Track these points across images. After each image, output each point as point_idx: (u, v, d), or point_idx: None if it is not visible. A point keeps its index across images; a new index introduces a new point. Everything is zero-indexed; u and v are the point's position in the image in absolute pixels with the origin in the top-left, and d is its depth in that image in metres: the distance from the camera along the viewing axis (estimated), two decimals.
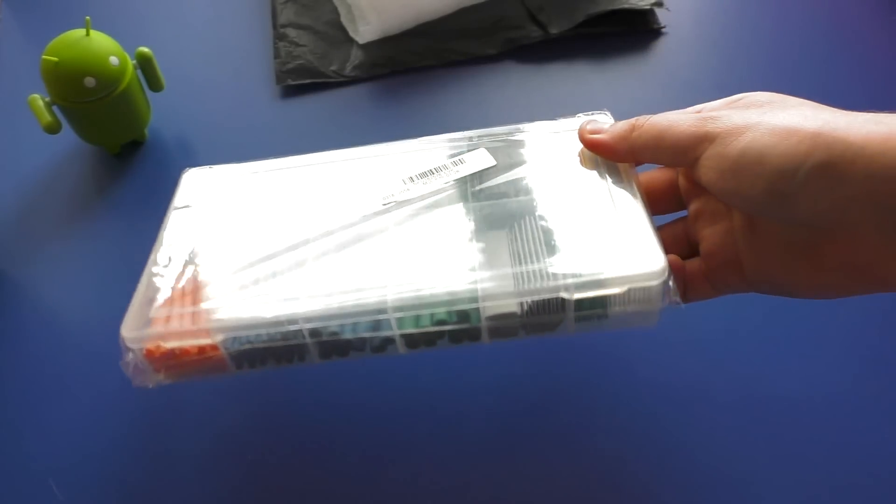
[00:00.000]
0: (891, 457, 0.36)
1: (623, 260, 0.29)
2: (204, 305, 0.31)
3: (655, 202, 0.35)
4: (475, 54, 0.55)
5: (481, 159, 0.36)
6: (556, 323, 0.30)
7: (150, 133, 0.51)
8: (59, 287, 0.45)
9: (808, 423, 0.37)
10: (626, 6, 0.55)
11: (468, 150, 0.37)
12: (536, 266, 0.29)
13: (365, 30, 0.54)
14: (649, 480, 0.35)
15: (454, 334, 0.30)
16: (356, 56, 0.55)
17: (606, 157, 0.34)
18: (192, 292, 0.32)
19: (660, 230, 0.33)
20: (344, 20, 0.57)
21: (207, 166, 0.40)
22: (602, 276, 0.29)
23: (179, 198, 0.39)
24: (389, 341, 0.31)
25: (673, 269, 0.30)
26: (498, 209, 0.33)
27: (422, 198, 0.35)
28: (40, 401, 0.40)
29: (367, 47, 0.55)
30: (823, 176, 0.26)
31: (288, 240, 0.34)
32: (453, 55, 0.55)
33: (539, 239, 0.31)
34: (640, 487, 0.35)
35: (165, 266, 0.34)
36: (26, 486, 0.37)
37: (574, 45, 0.55)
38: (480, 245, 0.31)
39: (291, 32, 0.57)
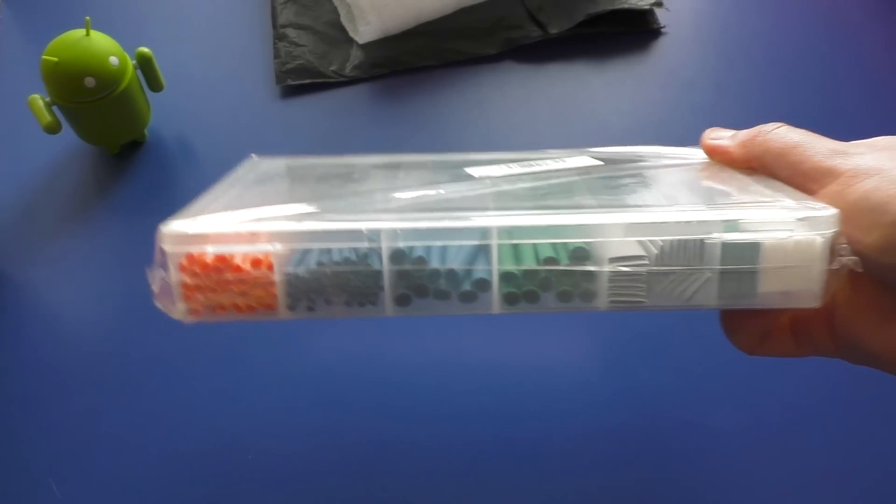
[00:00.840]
0: (891, 457, 0.36)
1: (780, 209, 0.25)
2: (264, 213, 0.25)
3: None
4: (475, 54, 0.55)
5: (586, 161, 0.32)
6: (694, 278, 0.24)
7: (150, 133, 0.51)
8: (59, 287, 0.45)
9: (807, 422, 0.37)
10: (625, 6, 0.55)
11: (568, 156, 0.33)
12: (680, 209, 0.25)
13: (365, 30, 0.54)
14: (652, 482, 0.35)
15: (565, 284, 0.24)
16: (356, 56, 0.55)
17: (724, 161, 0.31)
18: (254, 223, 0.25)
19: None
20: (344, 20, 0.57)
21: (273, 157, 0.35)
22: (757, 220, 0.24)
23: (241, 170, 0.32)
24: (484, 286, 0.24)
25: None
26: (631, 175, 0.30)
27: (531, 175, 0.30)
28: (40, 401, 0.40)
29: (367, 47, 0.55)
30: None
31: (371, 198, 0.28)
32: (453, 55, 0.55)
33: (684, 193, 0.28)
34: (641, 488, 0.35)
35: (229, 188, 0.29)
36: (26, 486, 0.37)
37: (574, 45, 0.55)
38: (610, 197, 0.27)
39: (291, 32, 0.57)
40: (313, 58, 0.55)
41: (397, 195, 0.27)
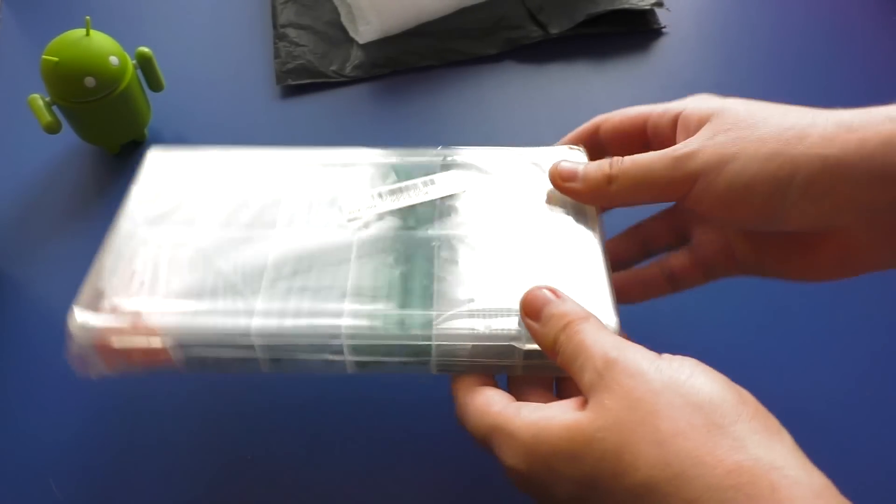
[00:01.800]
0: (891, 457, 0.36)
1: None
2: (157, 304, 0.31)
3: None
4: (475, 54, 0.55)
5: (453, 183, 0.35)
6: (505, 366, 0.30)
7: (150, 133, 0.51)
8: (59, 287, 0.45)
9: (807, 423, 0.37)
10: (626, 6, 0.55)
11: (441, 170, 0.36)
12: (492, 310, 0.30)
13: (365, 30, 0.54)
14: None
15: (405, 364, 0.31)
16: (356, 56, 0.55)
17: (582, 202, 0.34)
18: (149, 284, 0.32)
19: (650, 220, 0.37)
20: (344, 20, 0.57)
21: (174, 148, 0.39)
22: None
23: (144, 177, 0.38)
24: (340, 365, 0.31)
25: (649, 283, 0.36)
26: (458, 243, 0.33)
27: (389, 214, 0.34)
28: (40, 401, 0.40)
29: (367, 47, 0.55)
30: (808, 194, 0.27)
31: (250, 237, 0.33)
32: (453, 55, 0.55)
33: (496, 280, 0.31)
34: None
35: (125, 244, 0.34)
36: (26, 486, 0.37)
37: (574, 44, 0.55)
38: (439, 276, 0.31)
39: (291, 32, 0.57)
40: (313, 58, 0.55)
41: (270, 263, 0.32)
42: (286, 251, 0.33)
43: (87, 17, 0.45)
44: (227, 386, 0.40)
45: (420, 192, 0.35)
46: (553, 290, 0.29)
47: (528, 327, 0.29)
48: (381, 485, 0.37)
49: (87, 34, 0.45)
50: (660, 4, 0.56)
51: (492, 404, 0.28)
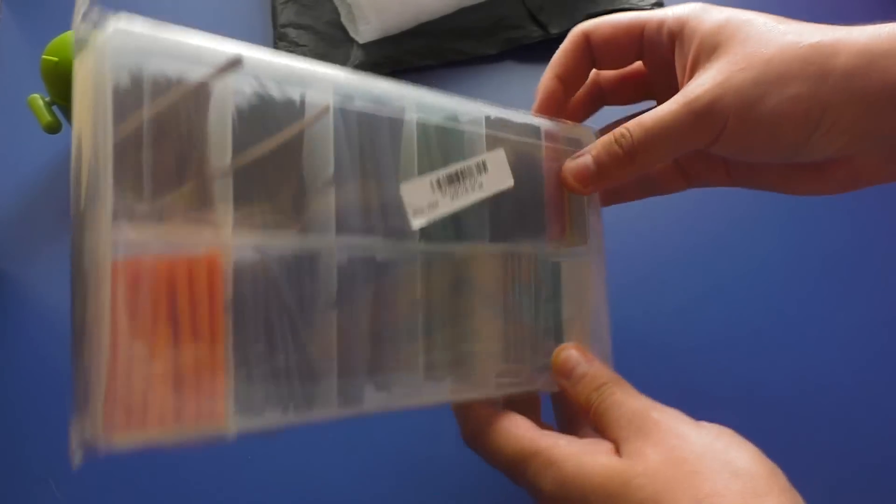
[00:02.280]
0: (890, 457, 0.36)
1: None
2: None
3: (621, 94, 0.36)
4: (475, 54, 0.55)
5: (501, 176, 0.31)
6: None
7: None
8: (59, 287, 0.45)
9: (807, 423, 0.37)
10: (625, 6, 0.55)
11: (488, 149, 0.31)
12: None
13: (365, 29, 0.54)
14: None
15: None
16: (356, 56, 0.55)
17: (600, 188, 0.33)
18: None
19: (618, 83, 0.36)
20: (344, 20, 0.57)
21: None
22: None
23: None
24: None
25: None
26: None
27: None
28: (40, 401, 0.40)
29: (367, 47, 0.55)
30: (834, 130, 0.27)
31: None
32: (453, 55, 0.55)
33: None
34: None
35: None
36: (26, 486, 0.37)
37: None
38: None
39: (292, 32, 0.56)
40: (313, 57, 0.55)
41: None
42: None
43: None
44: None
45: (475, 181, 0.30)
46: (581, 351, 0.31)
47: (560, 385, 0.31)
48: (382, 484, 0.37)
49: None
50: (660, 4, 0.56)
51: (524, 429, 0.29)
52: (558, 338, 0.33)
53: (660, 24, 0.32)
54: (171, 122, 0.22)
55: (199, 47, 0.22)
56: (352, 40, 0.56)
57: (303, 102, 0.26)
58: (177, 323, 0.22)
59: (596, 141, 0.31)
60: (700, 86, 0.28)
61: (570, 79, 0.35)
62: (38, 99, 0.46)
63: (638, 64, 0.35)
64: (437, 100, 0.30)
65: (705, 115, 0.28)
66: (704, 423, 0.28)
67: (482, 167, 0.31)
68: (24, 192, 0.49)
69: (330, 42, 0.56)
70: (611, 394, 0.29)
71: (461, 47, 0.55)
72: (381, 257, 0.27)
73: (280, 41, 0.56)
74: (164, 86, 0.21)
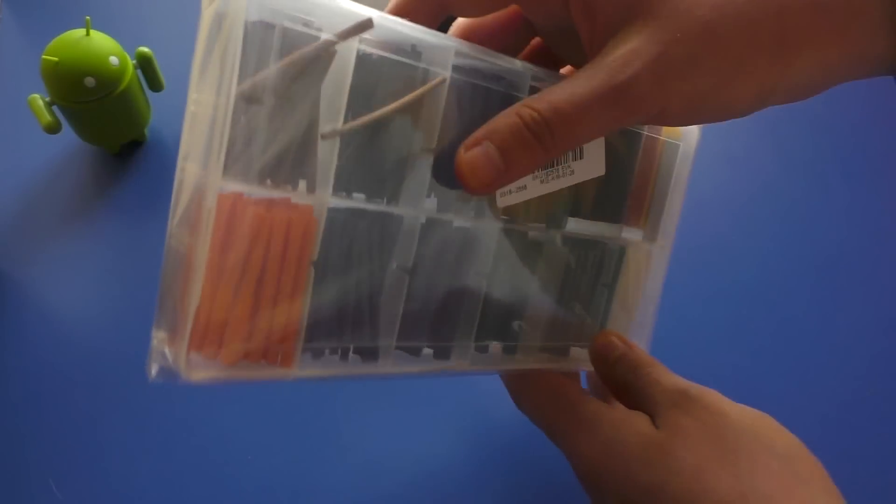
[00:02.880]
0: (890, 458, 0.36)
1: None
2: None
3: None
4: None
5: (594, 163, 0.29)
6: None
7: (150, 133, 0.51)
8: (59, 287, 0.45)
9: (807, 423, 0.37)
10: None
11: None
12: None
13: None
14: None
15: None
16: None
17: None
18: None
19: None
20: None
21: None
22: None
23: None
24: None
25: None
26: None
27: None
28: (40, 401, 0.40)
29: None
30: (774, 97, 0.24)
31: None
32: None
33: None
34: None
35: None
36: (26, 486, 0.37)
37: None
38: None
39: None
40: None
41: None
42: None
43: (88, 17, 0.45)
44: (228, 386, 0.40)
45: (568, 167, 0.29)
46: (621, 339, 0.31)
47: (598, 369, 0.31)
48: (382, 484, 0.37)
49: (87, 34, 0.45)
50: None
51: (569, 389, 0.30)
52: (604, 321, 0.33)
53: None
54: (292, 79, 0.22)
55: (331, 7, 0.22)
56: None
57: (422, 72, 0.25)
58: (265, 269, 0.23)
59: (495, 120, 0.24)
60: (626, 63, 0.22)
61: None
62: (38, 99, 0.46)
63: (511, 9, 0.28)
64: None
65: (637, 101, 0.23)
66: (745, 406, 0.28)
67: (578, 153, 0.29)
68: (24, 192, 0.49)
69: None
70: (648, 374, 0.29)
71: None
72: (458, 225, 0.28)
73: None
74: (291, 45, 0.21)
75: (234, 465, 0.38)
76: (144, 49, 0.48)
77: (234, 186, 0.22)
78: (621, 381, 0.30)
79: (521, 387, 0.31)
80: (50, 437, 0.39)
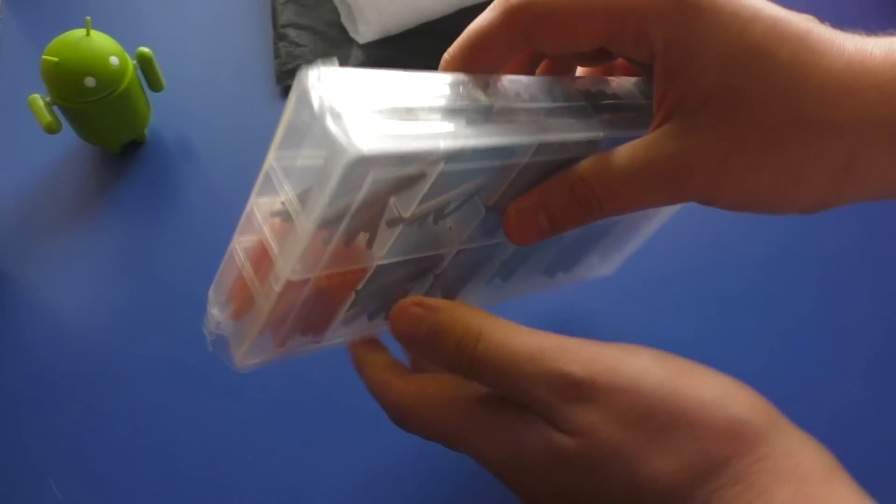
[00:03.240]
0: (890, 457, 0.36)
1: None
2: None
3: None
4: None
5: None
6: None
7: (150, 133, 0.51)
8: (59, 287, 0.45)
9: (806, 423, 0.37)
10: None
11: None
12: None
13: (365, 30, 0.54)
14: None
15: None
16: (356, 56, 0.55)
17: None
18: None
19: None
20: (344, 20, 0.57)
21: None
22: None
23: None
24: None
25: None
26: None
27: None
28: (40, 401, 0.40)
29: (367, 47, 0.55)
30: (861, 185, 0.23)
31: None
32: None
33: None
34: None
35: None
36: (26, 486, 0.37)
37: None
38: None
39: (292, 32, 0.56)
40: (313, 58, 0.55)
41: None
42: None
43: (88, 18, 0.45)
44: (228, 387, 0.40)
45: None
46: (421, 302, 0.26)
47: (412, 359, 0.31)
48: (383, 484, 0.37)
49: (88, 34, 0.45)
50: None
51: (461, 392, 0.27)
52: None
53: (637, 30, 0.24)
54: (374, 197, 0.24)
55: (418, 152, 0.22)
56: (352, 40, 0.56)
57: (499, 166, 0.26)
58: (315, 303, 0.27)
59: (548, 190, 0.26)
60: (690, 156, 0.23)
61: (493, 55, 0.28)
62: (38, 99, 0.46)
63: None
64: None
65: (691, 191, 0.24)
66: (653, 361, 0.24)
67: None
68: (24, 192, 0.49)
69: (330, 42, 0.56)
70: (494, 359, 0.24)
71: None
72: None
73: (280, 41, 0.56)
74: (381, 182, 0.23)
75: (234, 465, 0.38)
76: (144, 49, 0.48)
77: (303, 275, 0.24)
78: (456, 369, 0.25)
79: (403, 399, 0.27)
80: (50, 437, 0.39)
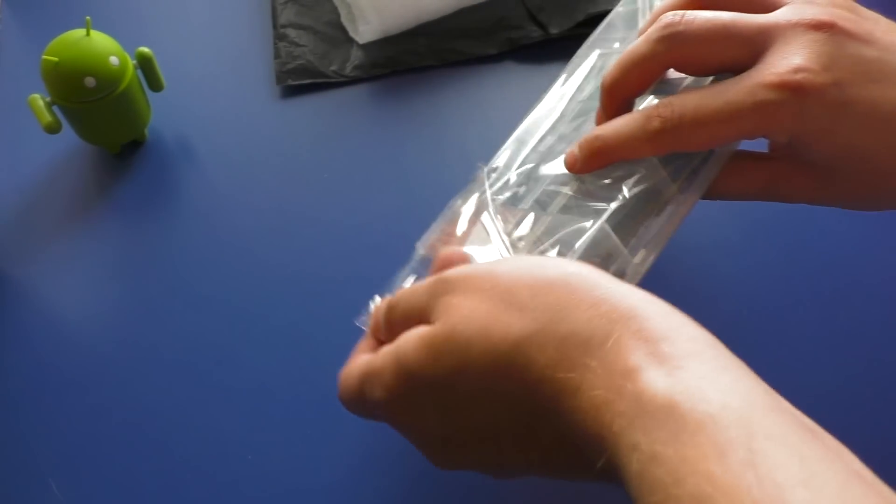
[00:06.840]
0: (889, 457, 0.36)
1: None
2: None
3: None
4: (475, 54, 0.55)
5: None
6: None
7: (150, 133, 0.51)
8: (59, 287, 0.45)
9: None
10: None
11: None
12: None
13: (365, 30, 0.54)
14: None
15: None
16: (356, 56, 0.55)
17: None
18: None
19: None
20: (344, 20, 0.57)
21: None
22: None
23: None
24: None
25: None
26: None
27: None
28: (40, 401, 0.40)
29: (367, 47, 0.55)
30: None
31: None
32: (453, 55, 0.55)
33: None
34: None
35: None
36: (26, 486, 0.37)
37: (574, 45, 0.55)
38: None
39: (291, 32, 0.56)
40: (313, 58, 0.55)
41: None
42: None
43: (88, 18, 0.45)
44: (228, 387, 0.40)
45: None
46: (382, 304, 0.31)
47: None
48: (383, 484, 0.37)
49: (88, 34, 0.45)
50: None
51: (353, 363, 0.30)
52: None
53: (748, 38, 0.30)
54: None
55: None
56: (352, 40, 0.56)
57: None
58: None
59: (635, 113, 0.32)
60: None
61: (647, 77, 0.33)
62: (38, 99, 0.46)
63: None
64: None
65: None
66: (515, 258, 0.29)
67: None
68: (24, 192, 0.49)
69: (330, 42, 0.56)
70: (394, 300, 0.30)
71: (461, 47, 0.55)
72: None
73: (280, 41, 0.56)
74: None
75: (234, 465, 0.38)
76: (144, 49, 0.48)
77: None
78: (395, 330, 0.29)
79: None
80: (50, 437, 0.39)
